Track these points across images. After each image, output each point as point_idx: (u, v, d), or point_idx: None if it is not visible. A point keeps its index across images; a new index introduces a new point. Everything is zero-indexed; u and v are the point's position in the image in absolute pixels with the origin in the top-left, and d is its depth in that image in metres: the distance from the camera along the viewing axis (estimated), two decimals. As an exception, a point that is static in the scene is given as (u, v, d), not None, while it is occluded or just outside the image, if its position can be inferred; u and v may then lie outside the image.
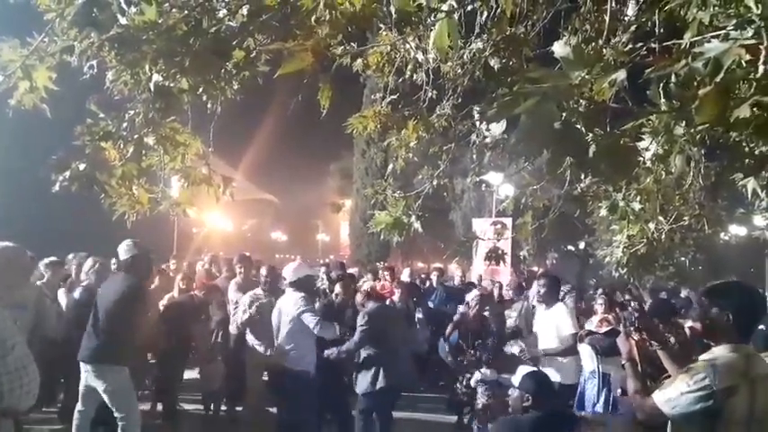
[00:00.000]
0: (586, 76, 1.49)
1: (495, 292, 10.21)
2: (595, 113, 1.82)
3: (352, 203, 28.79)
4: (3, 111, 2.74)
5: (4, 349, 3.19)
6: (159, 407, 6.99)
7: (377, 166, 25.20)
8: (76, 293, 5.70)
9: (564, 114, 1.53)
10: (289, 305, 5.44)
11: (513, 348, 6.05)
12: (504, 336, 7.53)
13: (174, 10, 2.66)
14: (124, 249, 5.25)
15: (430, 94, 4.09)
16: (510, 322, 7.87)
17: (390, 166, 4.39)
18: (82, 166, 2.85)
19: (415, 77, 4.08)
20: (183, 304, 6.88)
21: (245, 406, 7.21)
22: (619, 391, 5.24)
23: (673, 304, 7.47)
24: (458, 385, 6.80)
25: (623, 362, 3.04)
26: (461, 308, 7.19)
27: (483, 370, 6.60)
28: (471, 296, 7.41)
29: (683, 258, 5.42)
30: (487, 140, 4.06)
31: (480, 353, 6.71)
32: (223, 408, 7.26)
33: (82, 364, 5.03)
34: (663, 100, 1.84)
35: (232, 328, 7.13)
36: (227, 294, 7.32)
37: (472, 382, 6.61)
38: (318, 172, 44.09)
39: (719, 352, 2.53)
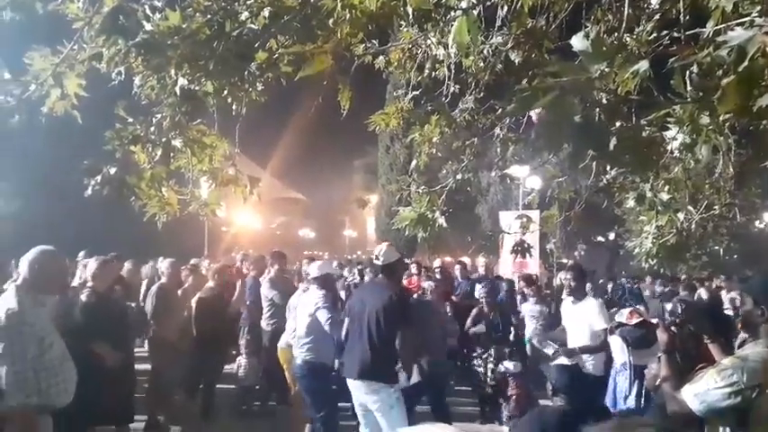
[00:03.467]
0: (606, 69, 1.48)
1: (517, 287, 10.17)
2: (617, 105, 1.81)
3: (377, 199, 28.88)
4: (36, 118, 2.83)
5: (41, 347, 3.31)
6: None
7: (401, 161, 25.23)
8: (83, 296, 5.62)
9: (585, 107, 1.53)
10: (310, 301, 5.53)
11: (547, 349, 5.98)
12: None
13: (197, 15, 2.71)
14: (381, 254, 4.96)
15: (452, 89, 4.09)
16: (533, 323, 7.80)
17: (414, 162, 4.39)
18: (112, 170, 2.93)
19: (436, 73, 4.08)
20: (216, 300, 7.01)
21: (278, 400, 7.34)
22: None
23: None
24: (482, 378, 6.83)
25: (660, 353, 3.00)
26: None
27: (506, 363, 6.59)
28: (479, 291, 7.42)
29: (716, 248, 5.32)
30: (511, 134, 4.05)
31: (499, 346, 6.75)
32: (256, 402, 7.38)
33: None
34: (687, 90, 1.81)
35: (264, 324, 7.25)
36: (262, 291, 7.42)
37: (496, 374, 6.62)
38: (344, 168, 44.37)
39: (752, 348, 2.48)
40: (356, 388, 4.79)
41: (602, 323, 5.73)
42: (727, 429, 2.42)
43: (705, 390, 2.42)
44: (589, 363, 5.72)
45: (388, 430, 4.53)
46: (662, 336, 2.99)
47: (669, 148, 2.46)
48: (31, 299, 3.43)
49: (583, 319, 5.83)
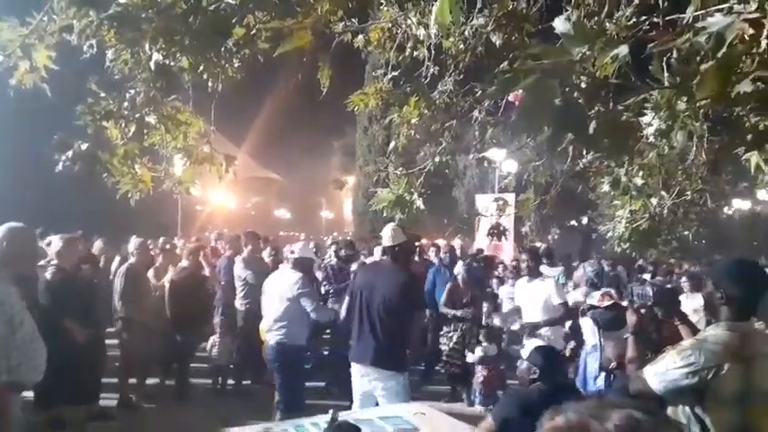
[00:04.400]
0: (587, 52, 1.48)
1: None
2: (597, 89, 1.81)
3: (354, 181, 28.81)
4: (4, 91, 2.75)
5: (12, 325, 3.24)
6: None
7: (379, 143, 25.11)
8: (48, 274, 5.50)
9: (565, 90, 1.53)
10: (287, 283, 5.44)
11: (514, 326, 6.16)
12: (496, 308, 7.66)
13: (172, -13, 2.64)
14: (389, 235, 4.74)
15: (432, 70, 4.07)
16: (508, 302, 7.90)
17: (392, 144, 4.36)
18: (84, 146, 2.86)
19: (416, 53, 4.05)
20: (190, 280, 6.96)
21: (252, 379, 7.35)
22: (613, 364, 5.31)
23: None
24: (451, 357, 6.90)
25: (627, 334, 3.06)
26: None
27: (484, 344, 6.68)
28: (459, 267, 7.50)
29: (686, 233, 5.42)
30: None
31: (471, 325, 6.85)
32: (231, 381, 7.38)
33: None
34: (665, 75, 1.83)
35: (238, 304, 7.23)
36: (235, 271, 7.38)
37: (472, 358, 6.70)
38: (322, 149, 44.07)
39: (712, 330, 2.55)
40: (364, 374, 4.64)
41: (559, 298, 6.03)
42: (686, 409, 2.48)
43: (665, 370, 2.49)
44: (549, 340, 5.88)
45: None
46: (630, 317, 3.06)
47: (645, 133, 2.49)
48: (1, 276, 3.35)
49: (538, 296, 6.06)
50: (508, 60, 2.80)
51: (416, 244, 9.62)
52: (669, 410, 2.53)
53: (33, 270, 4.88)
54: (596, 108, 1.79)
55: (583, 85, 1.77)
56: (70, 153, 2.81)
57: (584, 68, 1.69)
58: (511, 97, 1.83)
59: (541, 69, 1.46)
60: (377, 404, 4.59)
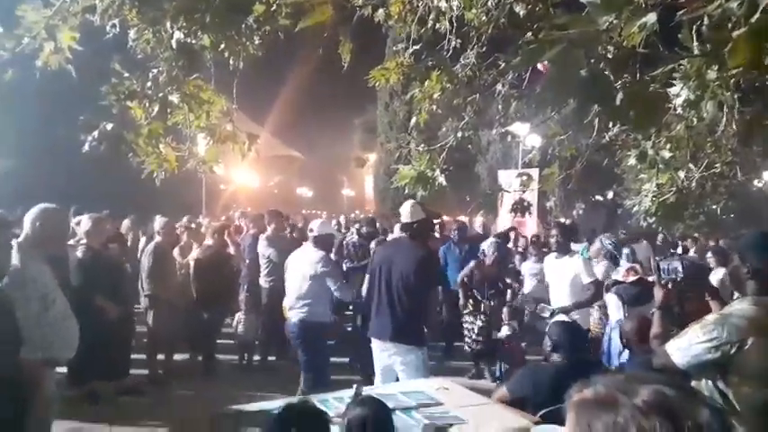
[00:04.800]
0: (614, 21, 1.44)
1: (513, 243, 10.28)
2: (624, 59, 1.77)
3: (376, 158, 28.73)
4: (30, 72, 2.78)
5: (45, 303, 3.34)
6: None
7: (400, 119, 24.94)
8: (78, 253, 5.49)
9: (591, 61, 1.49)
10: (309, 261, 5.47)
11: (544, 314, 6.00)
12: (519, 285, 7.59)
13: (192, -35, 2.63)
14: (408, 212, 4.76)
15: (454, 43, 4.00)
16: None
17: (414, 119, 4.32)
18: (110, 126, 2.89)
19: (438, 26, 3.98)
20: (215, 258, 7.06)
21: (277, 356, 7.47)
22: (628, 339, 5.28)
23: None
24: (473, 336, 6.90)
25: (654, 310, 3.03)
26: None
27: (510, 322, 6.68)
28: (487, 243, 7.42)
29: (713, 207, 5.31)
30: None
31: (494, 304, 6.80)
32: (256, 357, 7.51)
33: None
34: (695, 43, 1.77)
35: (262, 282, 7.32)
36: (259, 249, 7.46)
37: (498, 335, 6.71)
38: (343, 126, 43.96)
39: (737, 305, 2.51)
40: (384, 350, 4.71)
41: (589, 276, 5.77)
42: (709, 383, 2.46)
43: (688, 345, 2.47)
44: (575, 317, 5.78)
45: None
46: (657, 293, 3.01)
47: (673, 104, 2.43)
48: (34, 256, 3.43)
49: (566, 274, 5.87)
50: (532, 31, 2.74)
51: (436, 221, 9.64)
52: (692, 385, 2.52)
53: (64, 250, 5.00)
54: (623, 79, 1.74)
55: (609, 56, 1.73)
56: (96, 134, 2.84)
57: (610, 38, 1.65)
58: (540, 67, 1.79)
59: (567, 39, 1.42)
60: (398, 378, 4.66)
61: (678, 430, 0.89)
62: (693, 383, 2.50)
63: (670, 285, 2.96)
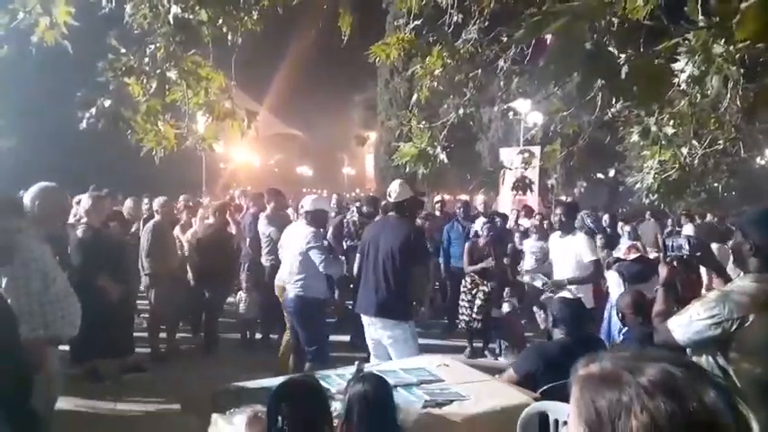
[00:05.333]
0: (620, -7, 1.41)
1: (512, 220, 10.31)
2: (628, 33, 1.73)
3: (376, 136, 28.57)
4: (26, 48, 2.74)
5: (46, 281, 3.34)
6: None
7: (401, 96, 24.73)
8: (79, 232, 5.46)
9: (594, 35, 1.46)
10: (300, 237, 5.47)
11: (536, 282, 6.03)
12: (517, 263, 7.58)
13: (188, -63, 2.58)
14: (396, 190, 4.90)
15: (455, 17, 3.94)
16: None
17: (415, 96, 4.27)
18: (107, 103, 2.86)
19: (439, 1, 3.91)
20: (216, 236, 7.06)
21: (279, 333, 7.51)
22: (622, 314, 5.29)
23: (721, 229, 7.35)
24: (472, 314, 6.92)
25: (657, 287, 3.01)
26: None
27: (510, 299, 6.70)
28: (479, 224, 7.41)
29: (715, 184, 5.27)
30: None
31: (492, 284, 6.81)
32: (258, 336, 7.55)
33: None
34: (701, 16, 1.74)
35: (263, 260, 7.33)
36: (259, 227, 7.45)
37: (497, 313, 6.73)
38: (342, 104, 43.60)
39: (740, 282, 2.50)
40: (371, 324, 4.87)
41: (591, 255, 5.74)
42: (710, 359, 2.47)
43: (688, 321, 2.47)
44: (579, 295, 5.77)
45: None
46: (662, 270, 3.00)
47: (678, 80, 2.39)
48: (34, 234, 3.43)
49: (570, 252, 5.83)
50: (535, 4, 2.69)
51: (438, 200, 9.65)
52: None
53: (63, 229, 4.99)
54: (627, 53, 1.71)
55: (613, 29, 1.69)
56: (93, 110, 2.81)
57: (615, 11, 1.61)
58: (549, 39, 1.76)
59: (572, 12, 1.39)
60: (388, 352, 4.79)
61: (683, 411, 0.88)
62: (694, 359, 2.51)
63: (675, 263, 2.94)
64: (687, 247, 2.86)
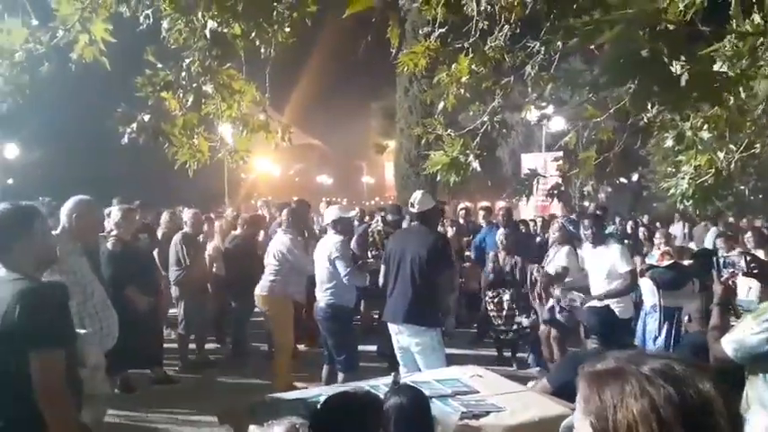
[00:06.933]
0: (675, -2, 1.39)
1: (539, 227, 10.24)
2: (682, 39, 1.70)
3: (395, 144, 28.52)
4: (66, 65, 2.78)
5: (84, 294, 3.38)
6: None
7: (421, 104, 24.67)
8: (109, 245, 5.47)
9: (650, 42, 1.43)
10: (327, 246, 5.51)
11: (575, 303, 5.88)
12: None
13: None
14: (418, 200, 5.00)
15: (481, 25, 3.91)
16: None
17: (441, 104, 4.24)
18: (147, 118, 2.89)
19: (465, 7, 3.88)
20: (243, 247, 7.11)
21: (306, 343, 7.52)
22: (686, 318, 5.18)
23: None
24: (501, 327, 6.84)
25: (714, 305, 2.92)
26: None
27: (522, 319, 6.63)
28: (500, 235, 7.22)
29: (741, 187, 5.16)
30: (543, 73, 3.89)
31: (516, 302, 6.71)
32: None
33: None
34: (753, 17, 1.70)
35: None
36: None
37: (526, 322, 6.64)
38: (360, 112, 43.72)
39: None
40: (399, 332, 4.88)
41: (626, 265, 5.63)
42: (766, 376, 2.39)
43: (741, 337, 2.40)
44: (617, 306, 5.65)
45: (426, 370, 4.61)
46: (717, 288, 2.91)
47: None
48: (72, 248, 3.47)
49: (605, 263, 5.72)
50: (572, 11, 2.66)
51: (462, 207, 9.65)
52: (748, 378, 2.44)
53: (96, 241, 5.04)
54: (680, 60, 1.67)
55: (665, 36, 1.66)
56: (134, 125, 2.84)
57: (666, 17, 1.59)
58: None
59: (626, 20, 1.37)
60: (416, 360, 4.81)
61: (681, 395, 0.94)
62: (749, 377, 2.43)
63: (731, 282, 2.88)
64: (743, 264, 2.79)
